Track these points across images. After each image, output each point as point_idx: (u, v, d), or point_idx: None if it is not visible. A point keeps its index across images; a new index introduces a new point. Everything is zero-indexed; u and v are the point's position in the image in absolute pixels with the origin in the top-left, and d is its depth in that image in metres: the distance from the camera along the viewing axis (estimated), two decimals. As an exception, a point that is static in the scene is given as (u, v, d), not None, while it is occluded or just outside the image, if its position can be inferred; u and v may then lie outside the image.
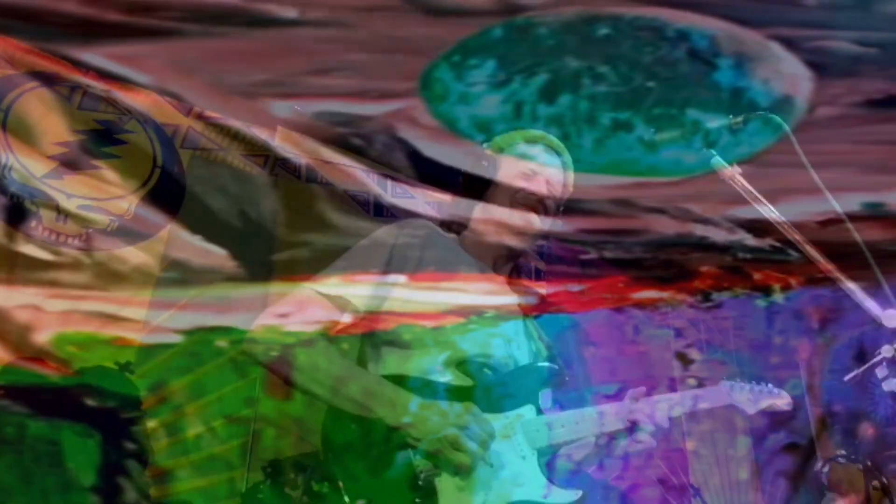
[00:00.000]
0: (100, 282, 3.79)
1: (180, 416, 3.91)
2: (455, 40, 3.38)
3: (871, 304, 2.17)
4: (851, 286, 2.20)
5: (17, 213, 3.82)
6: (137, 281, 3.92)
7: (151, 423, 3.78)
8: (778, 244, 4.89)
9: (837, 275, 2.25)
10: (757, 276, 4.77)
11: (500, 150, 3.03)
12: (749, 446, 6.00)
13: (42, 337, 3.65)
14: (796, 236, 2.40)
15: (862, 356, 5.23)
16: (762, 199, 2.47)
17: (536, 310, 2.99)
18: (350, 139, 4.45)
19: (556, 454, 2.80)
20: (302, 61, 3.78)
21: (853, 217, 2.33)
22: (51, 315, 3.65)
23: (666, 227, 4.58)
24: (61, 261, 3.64)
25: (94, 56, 4.13)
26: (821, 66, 3.59)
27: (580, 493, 2.66)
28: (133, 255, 3.94)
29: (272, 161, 4.70)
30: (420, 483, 2.43)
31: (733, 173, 2.56)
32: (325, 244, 2.49)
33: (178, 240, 4.07)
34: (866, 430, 5.52)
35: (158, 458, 3.75)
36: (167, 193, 4.29)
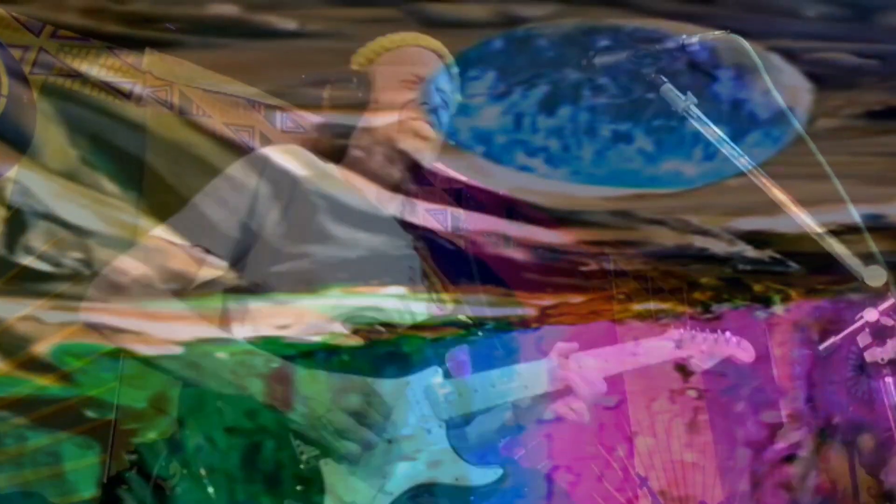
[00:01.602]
0: (99, 293, 3.72)
1: (180, 427, 3.86)
2: (455, 52, 3.36)
3: (853, 263, 2.01)
4: (832, 242, 2.10)
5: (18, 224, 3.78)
6: (137, 293, 3.79)
7: (151, 435, 3.72)
8: (777, 255, 4.87)
9: (816, 228, 2.14)
10: (757, 287, 4.78)
11: (370, 63, 2.79)
12: (749, 457, 5.97)
13: (42, 348, 3.61)
14: (761, 177, 2.20)
15: (863, 367, 5.23)
16: (720, 132, 2.28)
17: (537, 322, 2.91)
18: (351, 151, 4.45)
19: (469, 425, 2.50)
20: (302, 73, 3.75)
21: (852, 229, 2.28)
22: (50, 326, 3.61)
23: (665, 238, 4.56)
24: (60, 272, 3.59)
25: (92, 67, 4.07)
26: (821, 77, 3.57)
27: (500, 471, 2.36)
28: (133, 266, 3.84)
29: (139, 89, 4.21)
30: (302, 468, 2.18)
31: (687, 104, 2.34)
32: (326, 256, 2.43)
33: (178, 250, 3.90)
34: (867, 442, 5.51)
35: (158, 470, 3.71)
36: (14, 128, 3.85)
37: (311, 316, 2.40)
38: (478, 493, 2.34)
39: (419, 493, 2.28)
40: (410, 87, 2.71)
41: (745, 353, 2.86)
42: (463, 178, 5.12)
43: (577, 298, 3.34)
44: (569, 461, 5.26)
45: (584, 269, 4.78)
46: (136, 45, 3.78)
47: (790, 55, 3.39)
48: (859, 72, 3.57)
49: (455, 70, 2.89)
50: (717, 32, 2.36)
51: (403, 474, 2.26)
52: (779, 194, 2.13)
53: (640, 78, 2.43)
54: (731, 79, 3.58)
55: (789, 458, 5.82)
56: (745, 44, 2.32)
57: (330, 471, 2.19)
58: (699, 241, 4.61)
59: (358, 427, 2.21)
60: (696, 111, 2.32)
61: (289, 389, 2.21)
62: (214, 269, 2.41)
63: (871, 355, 2.05)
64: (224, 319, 2.46)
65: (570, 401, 2.55)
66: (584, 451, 5.48)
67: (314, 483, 2.18)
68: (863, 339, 2.07)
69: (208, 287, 2.43)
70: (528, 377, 2.53)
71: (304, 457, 2.18)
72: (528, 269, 4.77)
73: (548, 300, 3.31)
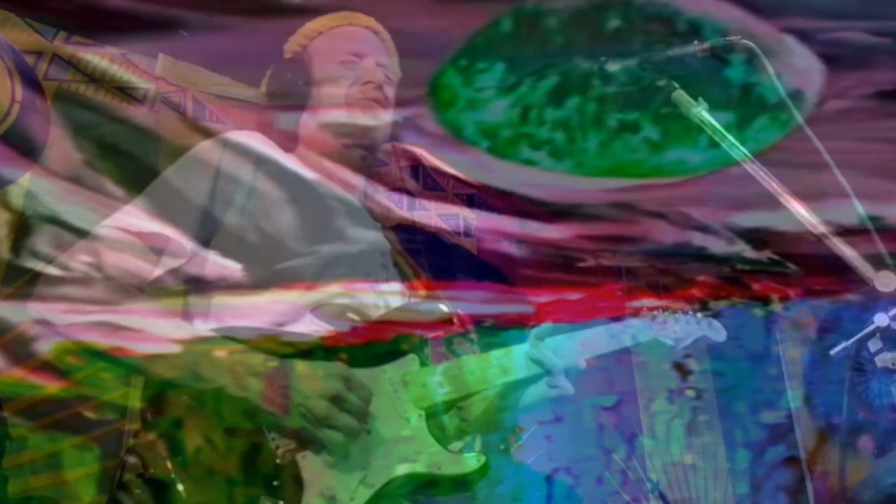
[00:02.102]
0: (112, 297, 3.69)
1: (179, 428, 3.83)
2: (462, 33, 3.34)
3: (863, 267, 1.99)
4: (841, 246, 2.09)
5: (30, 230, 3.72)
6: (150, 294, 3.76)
7: (150, 436, 3.67)
8: (776, 257, 4.87)
9: (824, 232, 2.12)
10: (755, 286, 4.79)
11: (303, 48, 2.77)
12: (748, 459, 5.93)
13: (43, 347, 3.60)
14: (772, 182, 2.17)
15: (861, 366, 5.22)
16: (731, 138, 2.26)
17: (534, 319, 2.90)
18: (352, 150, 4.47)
19: (449, 413, 2.47)
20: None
21: (851, 231, 2.26)
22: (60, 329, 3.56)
23: (664, 234, 4.54)
24: (71, 276, 3.62)
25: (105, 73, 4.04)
26: (834, 58, 3.53)
27: (483, 458, 2.32)
28: (144, 269, 3.81)
29: (153, 95, 4.22)
30: (279, 463, 2.14)
31: (699, 110, 2.34)
32: (331, 252, 2.41)
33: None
34: (866, 444, 5.48)
35: (158, 472, 3.67)
36: (27, 134, 3.81)
37: (280, 307, 2.39)
38: (461, 483, 2.31)
39: (401, 483, 2.26)
40: (350, 66, 2.69)
41: (716, 332, 2.95)
42: (474, 182, 5.13)
43: (574, 295, 3.33)
44: (569, 463, 5.24)
45: (581, 265, 4.77)
46: (139, 24, 3.72)
47: (803, 35, 3.36)
48: (873, 51, 3.53)
49: (392, 44, 2.86)
50: (728, 38, 2.35)
51: (384, 465, 2.24)
52: (789, 199, 2.14)
53: (651, 85, 2.43)
54: (742, 83, 3.57)
55: (789, 459, 5.80)
56: (757, 49, 2.32)
57: (308, 464, 2.17)
58: (698, 239, 4.60)
59: (339, 413, 2.17)
60: (707, 117, 2.33)
61: (287, 390, 2.19)
62: (174, 259, 2.40)
63: (881, 360, 2.05)
64: (185, 316, 2.45)
65: (551, 380, 2.53)
66: (584, 452, 5.46)
67: (291, 477, 2.14)
68: (874, 345, 2.07)
69: (169, 278, 2.41)
70: (505, 363, 2.50)
71: (279, 451, 2.16)
72: (524, 264, 4.76)
73: (545, 296, 3.30)
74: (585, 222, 4.40)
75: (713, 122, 2.32)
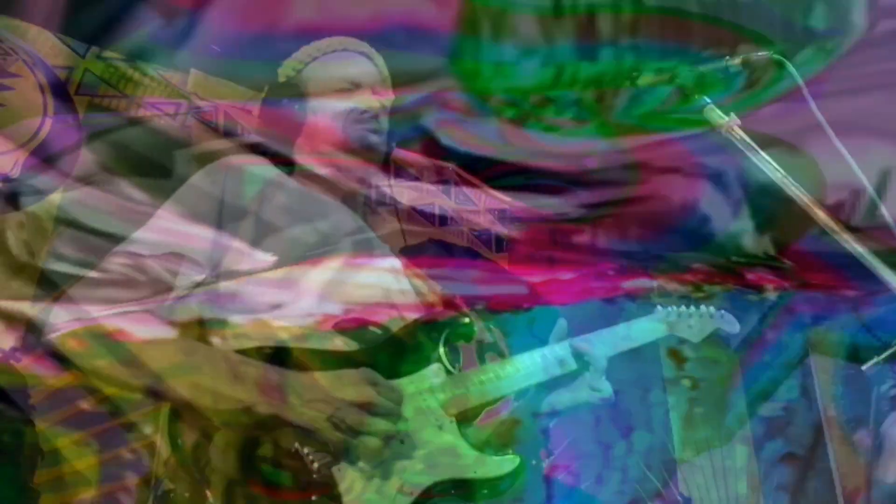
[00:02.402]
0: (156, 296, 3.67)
1: (177, 421, 3.81)
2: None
3: (891, 279, 2.05)
4: (869, 257, 2.11)
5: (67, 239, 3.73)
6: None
7: (148, 430, 3.69)
8: (772, 253, 4.86)
9: (851, 240, 2.14)
10: (750, 276, 4.80)
11: (298, 73, 2.81)
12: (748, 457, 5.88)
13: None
14: (798, 192, 2.23)
15: (858, 356, 5.19)
16: (764, 153, 2.30)
17: (528, 301, 2.91)
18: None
19: (480, 418, 2.50)
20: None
21: (851, 230, 2.25)
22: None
23: (673, 188, 4.43)
24: (112, 278, 3.66)
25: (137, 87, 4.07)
26: None
27: (517, 460, 2.39)
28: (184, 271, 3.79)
29: (184, 110, 4.26)
30: (315, 477, 2.19)
31: (730, 125, 2.36)
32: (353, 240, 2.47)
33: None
34: (863, 439, 5.45)
35: (156, 469, 3.67)
36: (60, 147, 3.84)
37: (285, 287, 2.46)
38: (494, 486, 2.37)
39: (437, 489, 2.31)
40: (347, 95, 2.76)
41: (729, 324, 2.99)
42: (507, 198, 5.14)
43: (567, 275, 3.34)
44: (567, 460, 5.22)
45: (575, 241, 4.76)
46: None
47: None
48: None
49: (384, 68, 2.90)
50: (760, 53, 2.36)
51: (420, 473, 2.28)
52: (821, 214, 2.16)
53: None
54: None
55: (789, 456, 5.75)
56: (789, 65, 2.34)
57: (343, 476, 2.22)
58: (704, 202, 4.52)
59: (372, 419, 2.23)
60: (739, 132, 2.37)
61: (283, 381, 2.28)
62: (190, 278, 2.48)
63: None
64: (202, 335, 2.51)
65: (593, 382, 2.64)
66: (582, 449, 5.43)
67: (329, 491, 2.20)
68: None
69: (185, 300, 2.49)
70: (529, 366, 2.57)
71: (315, 465, 2.21)
72: (517, 242, 4.75)
73: (538, 277, 3.31)
74: (593, 189, 4.33)
75: (745, 136, 2.35)
